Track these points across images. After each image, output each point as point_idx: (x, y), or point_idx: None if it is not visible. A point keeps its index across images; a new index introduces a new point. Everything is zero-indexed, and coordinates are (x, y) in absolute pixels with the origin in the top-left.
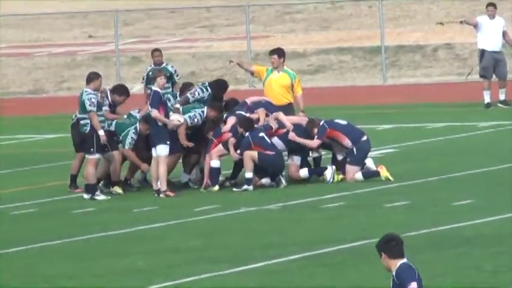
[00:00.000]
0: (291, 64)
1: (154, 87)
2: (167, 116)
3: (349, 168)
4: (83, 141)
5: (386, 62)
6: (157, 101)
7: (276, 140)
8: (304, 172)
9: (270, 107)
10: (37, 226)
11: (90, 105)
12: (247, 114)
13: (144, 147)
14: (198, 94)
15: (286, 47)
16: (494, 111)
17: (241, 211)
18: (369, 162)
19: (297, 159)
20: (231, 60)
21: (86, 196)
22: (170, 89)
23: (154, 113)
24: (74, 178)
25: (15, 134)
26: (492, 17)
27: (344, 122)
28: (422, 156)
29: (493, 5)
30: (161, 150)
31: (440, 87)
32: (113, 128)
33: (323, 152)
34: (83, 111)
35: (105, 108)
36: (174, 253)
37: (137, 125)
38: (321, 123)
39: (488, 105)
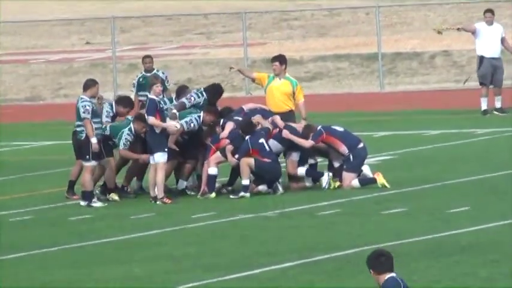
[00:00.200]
0: (288, 71)
1: (151, 95)
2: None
3: (346, 175)
4: (80, 148)
5: (384, 69)
6: (154, 108)
7: (272, 142)
8: (301, 170)
9: (265, 114)
10: (34, 233)
11: (84, 112)
12: None
13: (141, 149)
14: (194, 99)
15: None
16: (491, 118)
17: (238, 218)
18: (366, 169)
19: (295, 156)
20: (232, 67)
21: (82, 203)
22: (161, 96)
23: (151, 120)
24: (72, 184)
25: (12, 140)
26: (490, 23)
27: (341, 129)
28: (419, 163)
29: (491, 11)
30: (159, 158)
31: (438, 94)
32: (108, 132)
33: (319, 159)
34: (79, 118)
35: (107, 119)
36: (170, 260)
37: (131, 125)
38: (318, 128)
39: (485, 112)
